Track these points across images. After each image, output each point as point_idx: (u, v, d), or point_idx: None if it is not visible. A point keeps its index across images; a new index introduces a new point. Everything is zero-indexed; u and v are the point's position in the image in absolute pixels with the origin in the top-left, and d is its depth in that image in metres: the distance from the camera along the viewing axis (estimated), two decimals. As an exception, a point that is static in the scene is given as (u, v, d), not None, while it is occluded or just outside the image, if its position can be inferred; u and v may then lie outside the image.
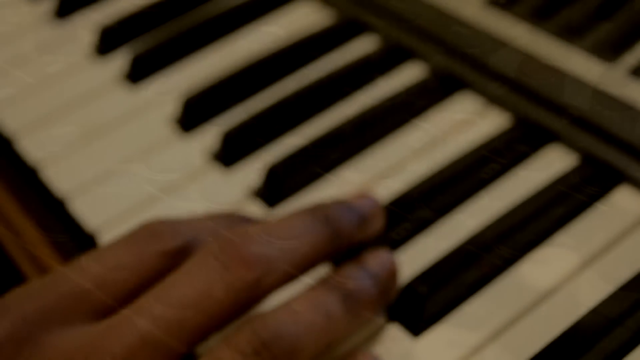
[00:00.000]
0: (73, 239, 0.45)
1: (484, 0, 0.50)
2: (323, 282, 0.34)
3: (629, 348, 0.35)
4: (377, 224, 0.38)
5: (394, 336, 0.37)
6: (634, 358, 0.35)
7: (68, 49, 0.57)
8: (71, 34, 0.58)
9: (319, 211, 0.36)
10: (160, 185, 0.46)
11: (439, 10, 0.51)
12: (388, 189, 0.44)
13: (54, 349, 0.30)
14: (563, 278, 0.38)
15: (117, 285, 0.33)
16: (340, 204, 0.37)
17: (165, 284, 0.32)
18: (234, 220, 0.37)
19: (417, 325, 0.37)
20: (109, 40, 0.56)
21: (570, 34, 0.47)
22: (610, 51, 0.46)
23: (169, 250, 0.34)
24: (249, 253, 0.32)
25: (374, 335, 0.38)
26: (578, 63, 0.46)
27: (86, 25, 0.58)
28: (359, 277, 0.35)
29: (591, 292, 0.37)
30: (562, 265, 0.39)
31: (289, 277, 0.34)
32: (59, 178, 0.48)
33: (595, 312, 0.36)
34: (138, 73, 0.54)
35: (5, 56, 0.57)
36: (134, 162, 0.48)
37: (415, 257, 0.40)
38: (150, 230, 0.34)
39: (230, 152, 0.47)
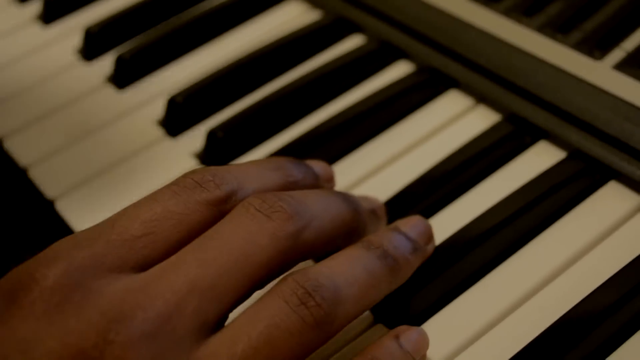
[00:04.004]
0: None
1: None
2: (360, 243, 0.35)
3: (616, 341, 0.35)
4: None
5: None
6: (621, 352, 0.35)
7: (55, 53, 0.57)
8: (58, 38, 0.58)
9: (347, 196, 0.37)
10: (150, 189, 0.46)
11: (426, 7, 0.51)
12: (380, 185, 0.44)
13: (104, 295, 0.30)
14: (551, 272, 0.38)
15: (165, 233, 0.32)
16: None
17: (210, 232, 0.33)
18: (278, 165, 0.38)
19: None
20: (94, 45, 0.56)
21: (556, 30, 0.47)
22: (595, 47, 0.46)
23: (214, 199, 0.34)
24: (289, 205, 0.33)
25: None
26: (564, 58, 0.46)
27: (73, 29, 0.58)
28: (394, 237, 0.36)
29: (579, 286, 0.37)
30: (550, 260, 0.39)
31: (328, 238, 0.34)
32: (48, 179, 0.47)
33: (582, 306, 0.36)
34: (124, 77, 0.54)
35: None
36: (122, 165, 0.48)
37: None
38: (196, 179, 0.34)
39: (217, 153, 0.47)
